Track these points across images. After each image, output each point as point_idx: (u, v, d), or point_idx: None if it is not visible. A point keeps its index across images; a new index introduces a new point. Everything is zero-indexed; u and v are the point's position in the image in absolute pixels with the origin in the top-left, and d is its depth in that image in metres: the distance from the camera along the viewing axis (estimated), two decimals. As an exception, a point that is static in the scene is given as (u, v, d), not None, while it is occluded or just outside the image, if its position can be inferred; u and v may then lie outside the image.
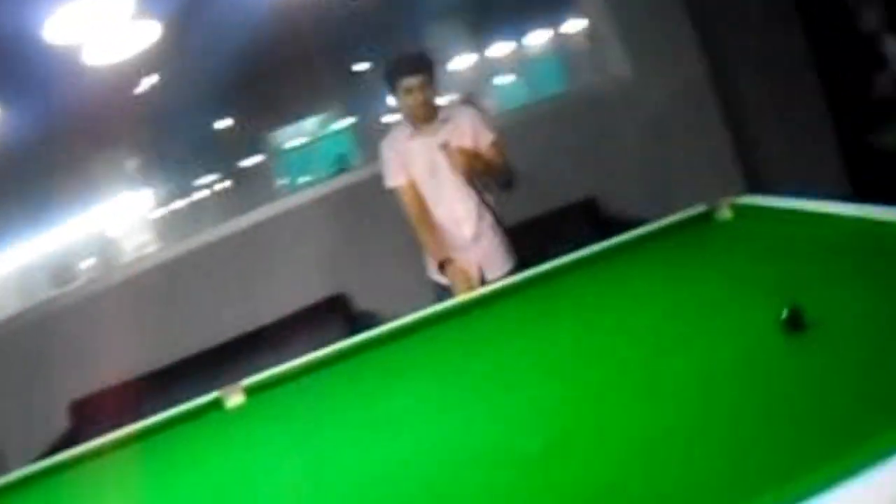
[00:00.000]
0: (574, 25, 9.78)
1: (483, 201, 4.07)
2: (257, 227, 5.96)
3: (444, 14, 11.19)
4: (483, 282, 4.01)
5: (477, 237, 4.11)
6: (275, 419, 2.88)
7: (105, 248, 12.73)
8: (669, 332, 2.27)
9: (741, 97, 5.68)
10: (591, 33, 6.08)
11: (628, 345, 2.28)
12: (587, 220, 5.43)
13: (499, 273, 4.02)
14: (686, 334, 2.20)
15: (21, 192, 10.49)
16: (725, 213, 3.20)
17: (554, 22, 11.80)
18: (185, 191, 14.84)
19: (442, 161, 3.97)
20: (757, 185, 5.31)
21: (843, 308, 1.98)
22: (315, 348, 3.33)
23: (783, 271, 2.42)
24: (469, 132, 4.04)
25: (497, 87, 13.28)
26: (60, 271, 11.86)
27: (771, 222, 2.88)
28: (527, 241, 5.28)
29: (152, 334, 5.90)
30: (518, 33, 12.83)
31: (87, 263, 12.91)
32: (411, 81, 3.96)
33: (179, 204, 14.63)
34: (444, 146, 3.93)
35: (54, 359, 5.88)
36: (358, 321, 5.22)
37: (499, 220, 4.14)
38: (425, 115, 4.04)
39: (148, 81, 10.88)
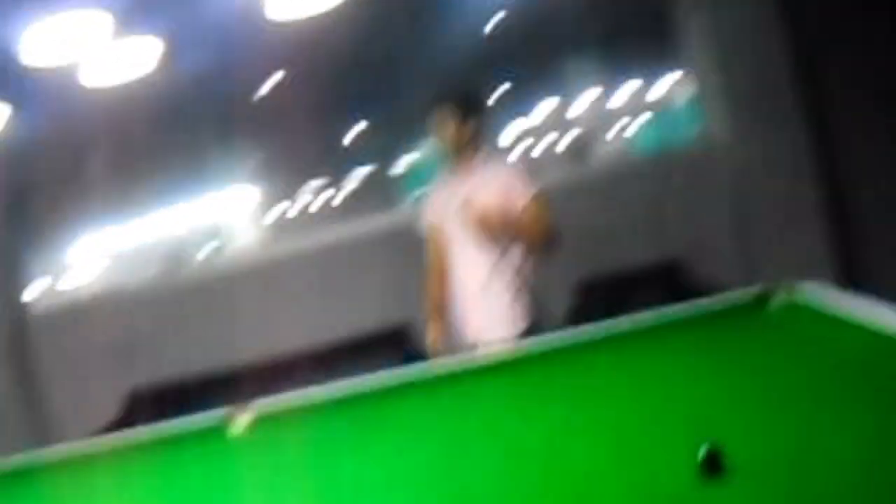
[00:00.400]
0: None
1: (502, 259, 3.81)
2: (347, 244, 5.92)
3: (575, 49, 11.02)
4: (479, 344, 3.81)
5: (483, 294, 3.85)
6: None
7: (217, 239, 12.95)
8: (604, 453, 2.01)
9: (844, 171, 5.33)
10: (697, 88, 5.80)
11: (545, 463, 2.04)
12: (666, 283, 5.20)
13: (502, 335, 3.77)
14: (621, 460, 1.94)
15: (148, 171, 10.73)
16: (778, 301, 2.94)
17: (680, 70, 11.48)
18: (303, 193, 14.98)
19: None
20: (849, 266, 5.00)
21: (802, 450, 1.74)
22: (361, 374, 3.27)
23: (778, 392, 2.16)
24: (499, 187, 3.80)
25: (623, 130, 13.00)
26: (173, 255, 12.12)
27: (815, 323, 2.61)
28: (598, 298, 5.18)
29: (221, 336, 5.92)
30: (648, 77, 12.54)
31: (199, 251, 13.13)
32: (439, 114, 3.85)
33: (296, 205, 14.78)
34: (466, 203, 3.74)
35: (132, 341, 5.95)
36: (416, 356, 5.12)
37: (520, 280, 3.85)
38: (455, 152, 3.88)
39: (276, 79, 11.05)
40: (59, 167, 7.33)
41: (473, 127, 3.87)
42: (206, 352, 5.85)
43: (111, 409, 5.64)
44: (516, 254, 3.84)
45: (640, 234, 5.45)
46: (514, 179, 3.84)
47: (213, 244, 12.85)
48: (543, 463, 2.03)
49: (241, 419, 3.07)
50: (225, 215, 12.81)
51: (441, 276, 4.00)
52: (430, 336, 3.98)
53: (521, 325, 3.83)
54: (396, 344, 5.46)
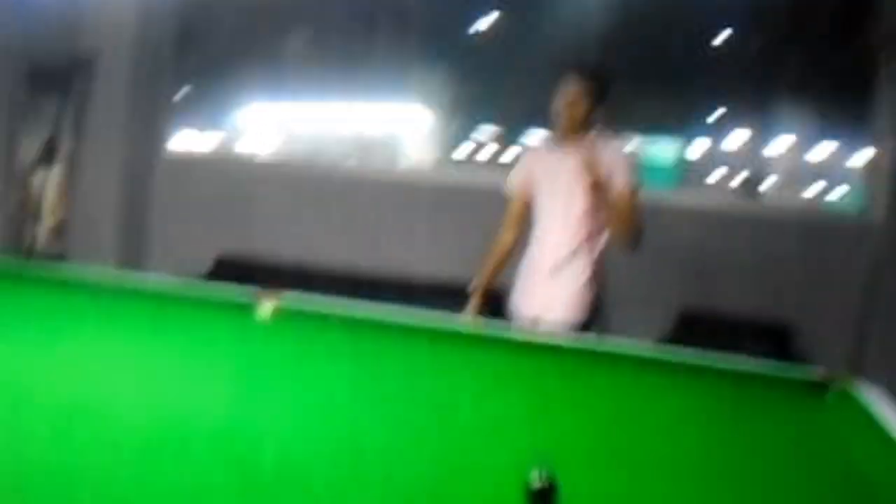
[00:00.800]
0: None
1: (589, 241, 3.71)
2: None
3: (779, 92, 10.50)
4: (536, 321, 3.72)
5: (556, 272, 3.74)
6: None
7: (384, 148, 12.94)
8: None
9: None
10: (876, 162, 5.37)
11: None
12: (769, 342, 4.93)
13: (559, 318, 3.68)
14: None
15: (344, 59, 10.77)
16: (833, 392, 2.68)
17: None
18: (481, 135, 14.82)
19: (566, 182, 3.69)
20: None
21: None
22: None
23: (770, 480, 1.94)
24: (604, 165, 3.67)
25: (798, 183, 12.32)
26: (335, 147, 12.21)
27: (850, 423, 2.36)
28: (692, 331, 4.96)
29: (336, 234, 5.91)
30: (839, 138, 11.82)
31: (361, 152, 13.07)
32: (568, 87, 3.71)
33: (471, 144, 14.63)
34: (585, 154, 3.63)
35: (249, 213, 6.04)
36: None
37: (596, 270, 3.74)
38: (569, 129, 3.74)
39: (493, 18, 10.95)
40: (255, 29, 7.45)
41: (594, 104, 3.74)
42: (317, 245, 5.87)
43: (202, 265, 5.76)
44: (599, 240, 3.75)
45: (767, 284, 5.16)
46: (617, 164, 3.69)
47: (377, 150, 12.88)
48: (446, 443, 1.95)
49: (267, 305, 3.13)
50: (401, 129, 12.84)
51: (508, 245, 3.95)
52: (474, 306, 3.88)
53: (582, 315, 3.72)
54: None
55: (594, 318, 3.73)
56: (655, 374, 2.76)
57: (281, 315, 3.11)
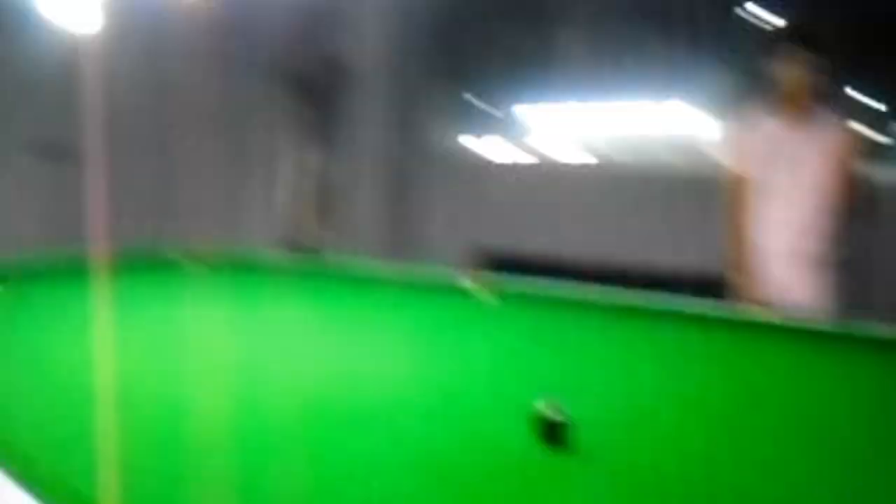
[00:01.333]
0: None
1: (821, 219, 3.58)
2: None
3: None
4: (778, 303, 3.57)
5: (788, 255, 3.62)
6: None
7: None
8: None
9: None
10: None
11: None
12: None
13: (800, 301, 3.55)
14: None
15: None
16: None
17: None
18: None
19: (792, 157, 3.57)
20: None
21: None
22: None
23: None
24: (826, 147, 3.55)
25: None
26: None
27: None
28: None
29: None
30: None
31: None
32: (804, 55, 3.53)
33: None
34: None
35: (505, 208, 6.39)
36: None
37: (830, 247, 3.59)
38: (799, 101, 3.57)
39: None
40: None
41: (819, 79, 3.57)
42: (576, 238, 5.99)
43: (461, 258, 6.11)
44: (829, 216, 3.60)
45: None
46: (842, 142, 3.57)
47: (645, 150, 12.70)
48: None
49: (472, 280, 3.67)
50: (669, 127, 12.63)
51: (748, 225, 3.72)
52: (748, 289, 3.70)
53: (816, 296, 3.60)
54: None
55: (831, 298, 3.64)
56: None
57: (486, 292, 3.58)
